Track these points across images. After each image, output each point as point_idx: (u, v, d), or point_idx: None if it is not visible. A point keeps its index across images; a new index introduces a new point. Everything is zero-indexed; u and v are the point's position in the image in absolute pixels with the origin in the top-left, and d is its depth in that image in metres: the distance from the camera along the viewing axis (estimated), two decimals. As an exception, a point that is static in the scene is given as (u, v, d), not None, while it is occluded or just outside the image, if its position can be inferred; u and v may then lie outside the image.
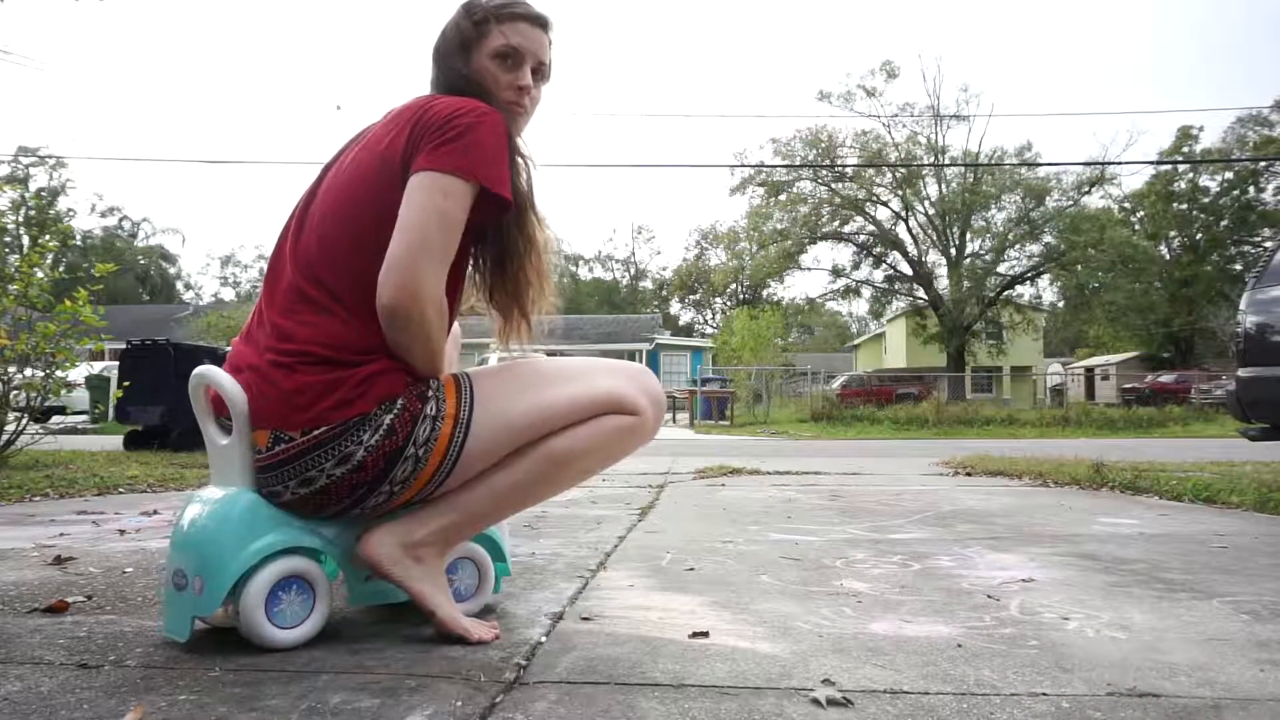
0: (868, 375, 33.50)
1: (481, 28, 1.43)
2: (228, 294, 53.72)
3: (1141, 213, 35.96)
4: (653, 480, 4.66)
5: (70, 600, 1.61)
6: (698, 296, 54.87)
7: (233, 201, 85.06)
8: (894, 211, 29.56)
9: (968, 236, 29.37)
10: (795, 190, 29.52)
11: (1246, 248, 33.81)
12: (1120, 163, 27.03)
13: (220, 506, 1.31)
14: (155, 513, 3.14)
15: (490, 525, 1.50)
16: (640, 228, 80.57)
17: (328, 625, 1.38)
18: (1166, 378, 27.83)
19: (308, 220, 1.40)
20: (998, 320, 30.21)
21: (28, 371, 5.05)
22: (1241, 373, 3.94)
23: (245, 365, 1.34)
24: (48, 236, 5.58)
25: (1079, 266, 27.58)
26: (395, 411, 1.31)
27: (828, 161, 28.54)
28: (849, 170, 28.81)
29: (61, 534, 2.58)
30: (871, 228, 29.85)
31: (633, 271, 59.22)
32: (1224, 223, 34.51)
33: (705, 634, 1.42)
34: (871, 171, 28.58)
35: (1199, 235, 35.24)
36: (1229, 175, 34.16)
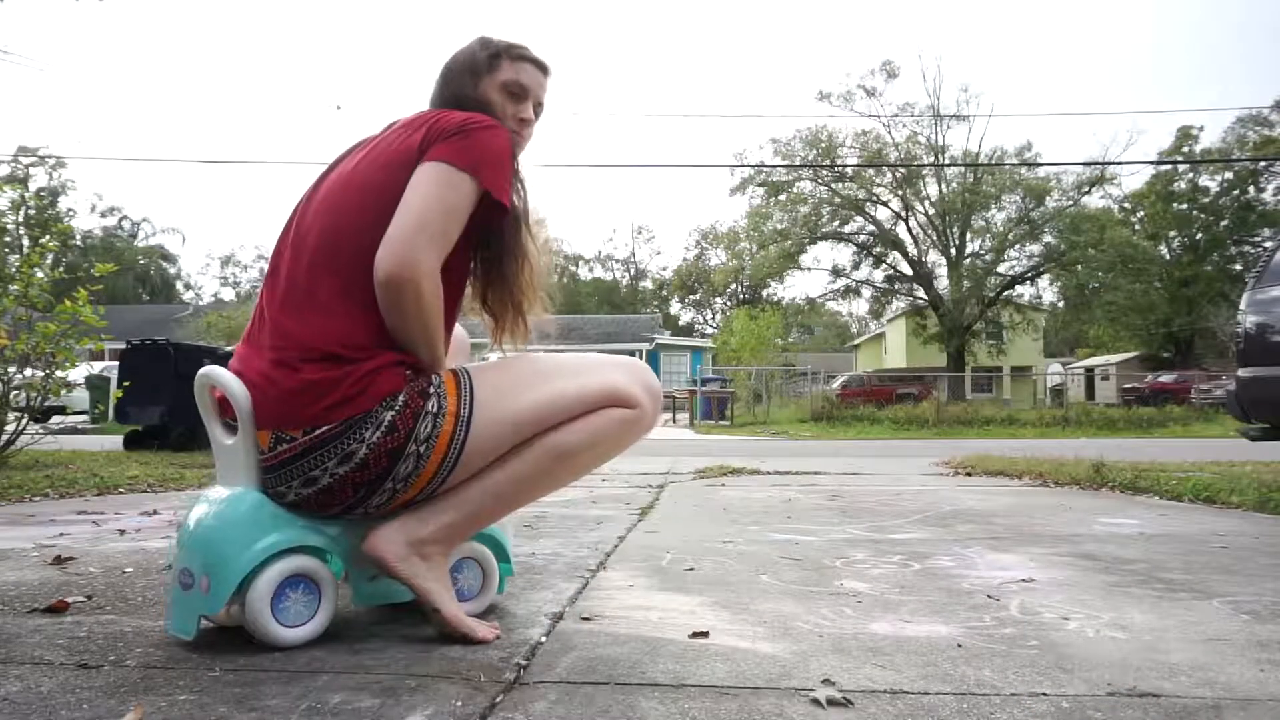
0: (868, 375, 33.50)
1: (494, 60, 1.51)
2: (228, 294, 53.69)
3: (1141, 213, 35.96)
4: (653, 480, 4.66)
5: (70, 600, 1.61)
6: (698, 296, 54.90)
7: (233, 201, 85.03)
8: (894, 211, 29.55)
9: (968, 236, 29.37)
10: (795, 190, 29.52)
11: (1246, 248, 33.80)
12: (1120, 163, 27.03)
13: (225, 506, 1.32)
14: (155, 513, 3.14)
15: (494, 521, 1.50)
16: (640, 228, 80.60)
17: (328, 625, 1.38)
18: (1166, 378, 27.82)
19: (308, 219, 1.41)
20: (998, 320, 30.22)
21: (28, 371, 5.05)
22: (1241, 373, 3.94)
23: (248, 365, 1.35)
24: (48, 237, 5.57)
25: (1079, 266, 27.59)
26: (397, 409, 1.31)
27: (828, 161, 28.54)
28: (849, 170, 28.81)
29: (61, 534, 2.58)
30: (871, 228, 29.85)
31: (633, 271, 59.24)
32: (1224, 223, 34.50)
33: (705, 634, 1.42)
34: (871, 171, 28.58)
35: (1199, 235, 35.23)
36: (1229, 175, 34.15)
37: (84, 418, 14.08)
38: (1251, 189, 33.88)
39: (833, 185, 29.03)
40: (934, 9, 72.99)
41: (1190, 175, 35.05)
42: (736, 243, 34.84)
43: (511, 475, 1.40)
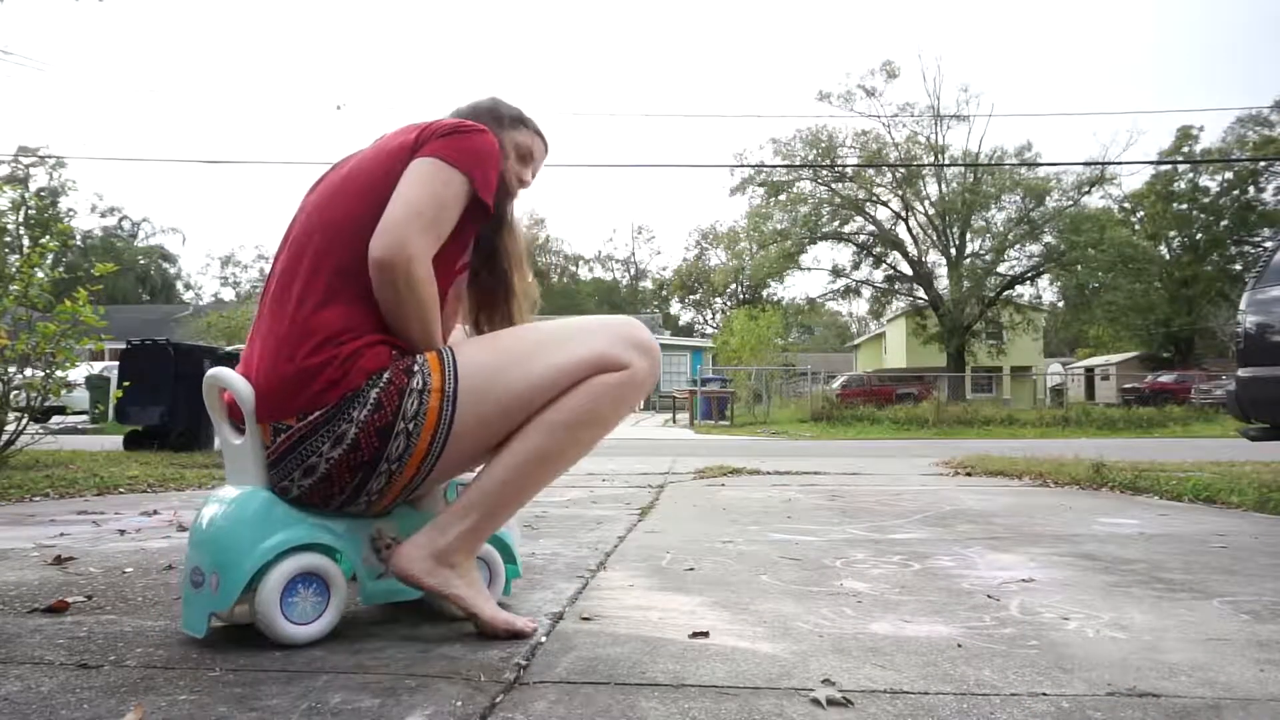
0: (868, 375, 33.52)
1: (516, 123, 1.63)
2: (228, 294, 53.72)
3: (1141, 213, 35.97)
4: (653, 480, 4.66)
5: (70, 600, 1.61)
6: (698, 296, 54.91)
7: (233, 201, 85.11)
8: (894, 211, 29.57)
9: (968, 236, 29.38)
10: (795, 190, 29.53)
11: (1246, 248, 33.81)
12: (1120, 163, 27.05)
13: (235, 505, 1.34)
14: (155, 513, 3.14)
15: (513, 513, 1.48)
16: (640, 228, 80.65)
17: (337, 623, 1.38)
18: (1166, 378, 27.83)
19: (304, 218, 1.45)
20: (998, 320, 30.23)
21: (28, 371, 5.05)
22: (1241, 373, 3.94)
23: (250, 363, 1.38)
24: (48, 237, 5.57)
25: (1079, 266, 27.59)
26: (381, 385, 1.33)
27: (828, 161, 28.55)
28: (849, 170, 28.82)
29: (61, 534, 2.58)
30: (871, 228, 29.86)
31: (633, 271, 59.24)
32: (1224, 223, 34.51)
33: (705, 634, 1.42)
34: (871, 171, 28.59)
35: (1199, 235, 35.24)
36: (1229, 175, 34.16)
37: (84, 418, 14.08)
38: (1251, 189, 33.89)
39: (833, 185, 29.04)
40: (934, 9, 73.01)
41: (1190, 175, 35.06)
42: (736, 243, 34.87)
43: (518, 461, 1.39)
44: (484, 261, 1.61)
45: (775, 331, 25.83)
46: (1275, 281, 3.92)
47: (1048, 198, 27.85)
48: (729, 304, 48.81)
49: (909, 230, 29.40)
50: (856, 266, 31.76)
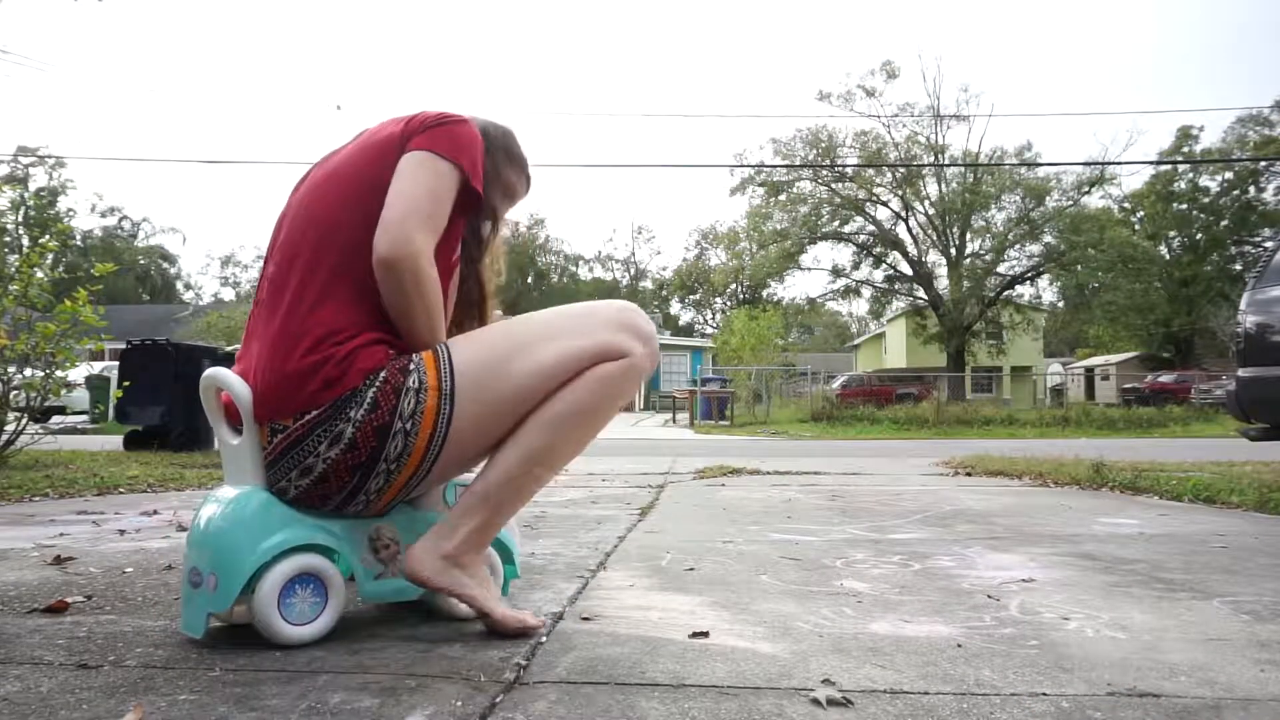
0: (868, 375, 33.51)
1: (519, 164, 1.65)
2: (228, 294, 53.69)
3: (1141, 213, 35.97)
4: (653, 480, 4.66)
5: (70, 600, 1.61)
6: (698, 296, 54.90)
7: (233, 201, 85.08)
8: (894, 211, 29.58)
9: (968, 236, 29.39)
10: (795, 190, 29.54)
11: (1246, 248, 33.81)
12: (1120, 163, 27.07)
13: (233, 505, 1.33)
14: (155, 513, 3.14)
15: (517, 509, 1.47)
16: (640, 228, 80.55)
17: (335, 623, 1.38)
18: (1166, 378, 27.84)
19: (293, 216, 1.45)
20: (998, 320, 30.23)
21: (28, 371, 5.05)
22: (1241, 373, 3.94)
23: (247, 364, 1.38)
24: (48, 236, 5.57)
25: (1079, 266, 27.60)
26: (377, 385, 1.32)
27: (828, 161, 28.55)
28: (849, 170, 28.82)
29: (61, 534, 2.58)
30: (871, 228, 29.86)
31: (633, 271, 59.24)
32: (1224, 223, 34.52)
33: (705, 634, 1.42)
34: (871, 171, 28.59)
35: (1199, 235, 35.24)
36: (1229, 175, 34.16)
37: (84, 418, 14.08)
38: (1251, 189, 33.89)
39: (833, 185, 29.04)
40: (934, 9, 73.00)
41: (1190, 175, 35.07)
42: (736, 243, 34.86)
43: (521, 457, 1.39)
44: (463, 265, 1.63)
45: (775, 331, 25.83)
46: (1275, 281, 3.92)
47: (1048, 198, 27.86)
48: (729, 304, 48.81)
49: (909, 230, 29.41)
50: (856, 266, 31.77)
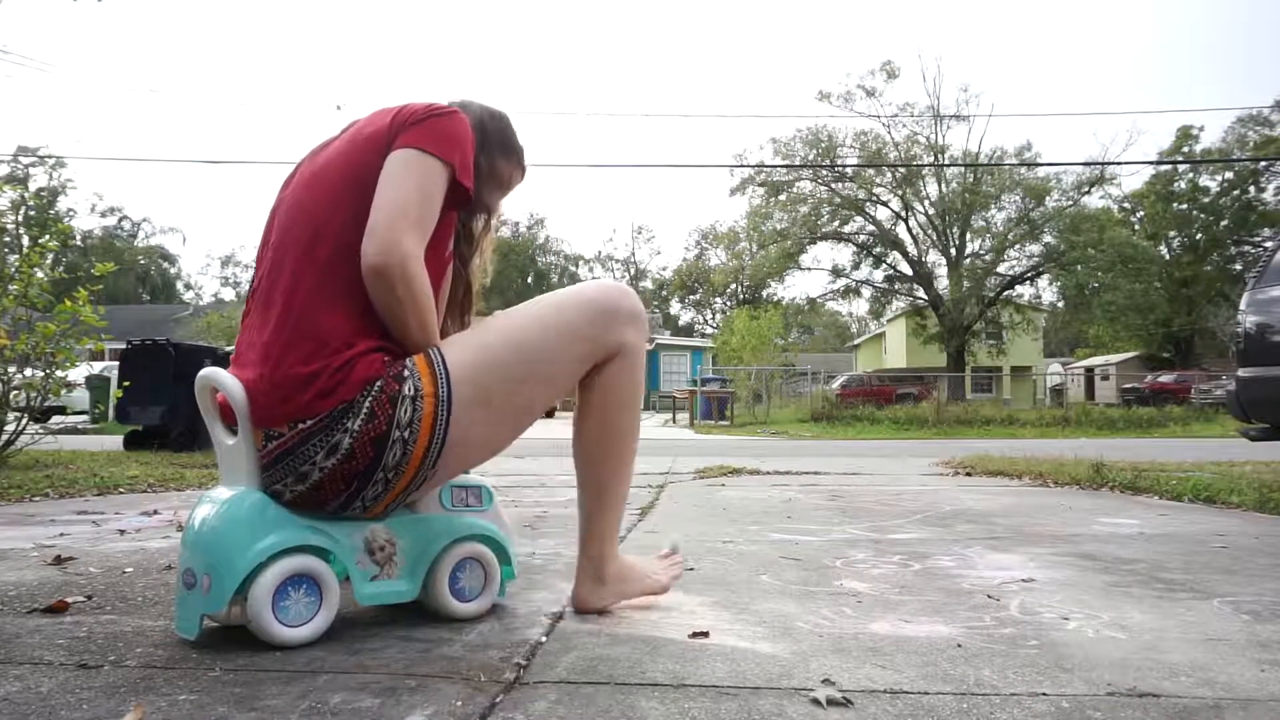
0: (868, 375, 33.52)
1: (515, 155, 1.64)
2: (228, 294, 53.74)
3: (1141, 213, 35.96)
4: (653, 480, 4.66)
5: (70, 600, 1.61)
6: (698, 296, 54.89)
7: (233, 201, 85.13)
8: (894, 211, 29.58)
9: (968, 236, 29.39)
10: (795, 190, 29.53)
11: (1246, 248, 33.80)
12: (1120, 163, 27.07)
13: (227, 506, 1.32)
14: (155, 513, 3.14)
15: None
16: (640, 228, 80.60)
17: (330, 624, 1.38)
18: (1166, 378, 27.85)
19: (284, 216, 1.44)
20: (998, 320, 30.24)
21: (28, 371, 5.05)
22: (1241, 373, 3.94)
23: (242, 366, 1.37)
24: (48, 236, 5.57)
25: (1079, 266, 27.59)
26: (374, 395, 1.31)
27: (828, 161, 28.55)
28: (849, 170, 28.82)
29: (61, 534, 2.58)
30: (871, 228, 29.86)
31: (633, 271, 59.22)
32: (1224, 223, 34.50)
33: (705, 634, 1.42)
34: (871, 171, 28.59)
35: (1199, 235, 35.23)
36: (1229, 175, 34.15)
37: (84, 418, 14.08)
38: (1251, 189, 33.87)
39: (833, 185, 29.04)
40: (934, 9, 72.99)
41: (1190, 175, 35.05)
42: (736, 243, 34.87)
43: (597, 473, 1.54)
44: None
45: (776, 331, 25.83)
46: (1275, 281, 3.92)
47: (1047, 198, 27.86)
48: (729, 304, 48.81)
49: (909, 230, 29.41)
50: (856, 266, 31.79)
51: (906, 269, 30.07)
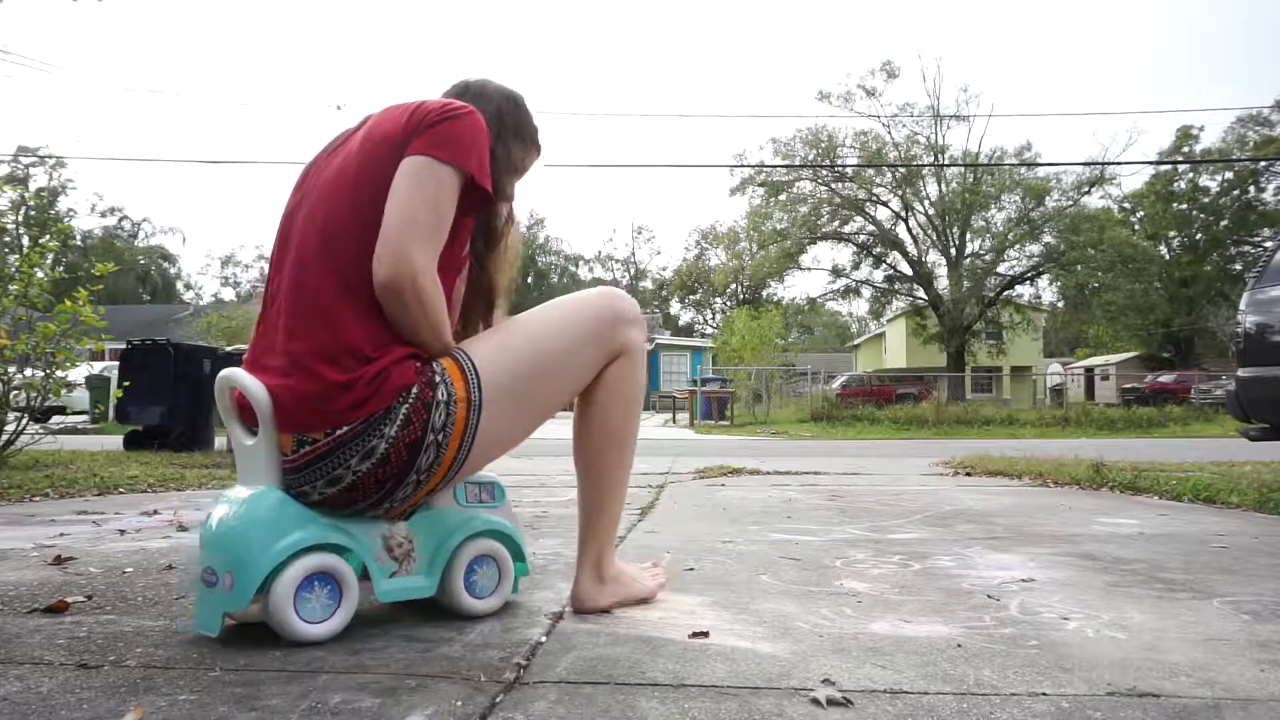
0: (868, 375, 33.53)
1: (531, 139, 1.64)
2: (228, 294, 53.77)
3: (1141, 213, 35.96)
4: (653, 480, 4.66)
5: (70, 600, 1.61)
6: (698, 296, 54.88)
7: (233, 201, 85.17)
8: (894, 211, 29.58)
9: (968, 236, 29.39)
10: (795, 190, 29.53)
11: (1246, 248, 33.81)
12: (1120, 163, 27.06)
13: (248, 505, 1.33)
14: (155, 513, 3.14)
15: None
16: (640, 228, 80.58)
17: (350, 620, 1.40)
18: (1166, 378, 27.85)
19: (303, 220, 1.42)
20: (997, 320, 30.24)
21: (28, 371, 5.05)
22: (1241, 373, 3.94)
23: (265, 368, 1.37)
24: (48, 236, 5.57)
25: (1079, 266, 27.60)
26: (410, 401, 1.33)
27: (828, 161, 28.55)
28: (849, 170, 28.82)
29: (61, 534, 2.58)
30: (871, 228, 29.86)
31: (633, 271, 59.22)
32: (1224, 223, 34.51)
33: (705, 634, 1.42)
34: (871, 171, 28.59)
35: (1199, 235, 35.23)
36: (1229, 175, 34.15)
37: (84, 418, 14.08)
38: (1251, 189, 33.88)
39: (833, 185, 29.04)
40: (934, 9, 73.01)
41: (1190, 175, 35.05)
42: (736, 243, 34.87)
43: (599, 474, 1.57)
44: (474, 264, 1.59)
45: (776, 331, 25.83)
46: (1275, 281, 3.92)
47: (1047, 198, 27.85)
48: (729, 304, 48.81)
49: (909, 230, 29.41)
50: (856, 266, 31.80)
51: (906, 269, 30.07)
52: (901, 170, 28.10)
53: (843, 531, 2.73)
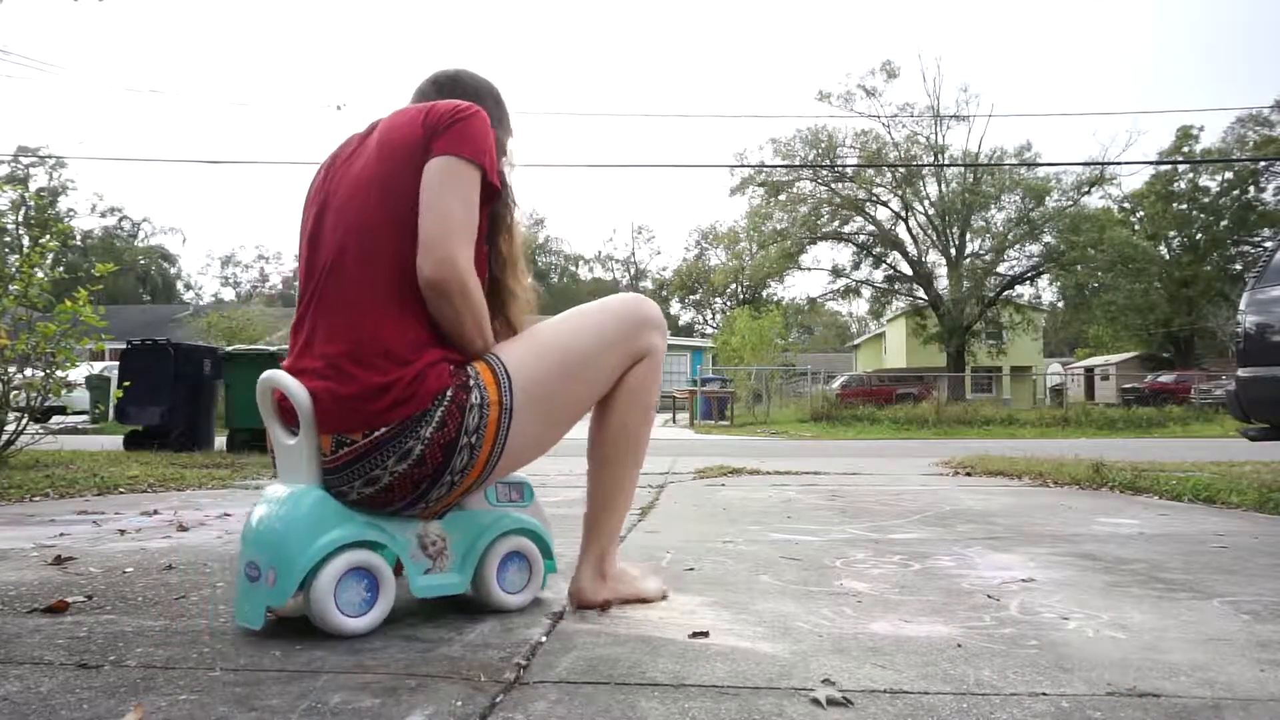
0: (868, 375, 33.54)
1: (508, 124, 1.67)
2: (228, 294, 53.78)
3: (1141, 213, 35.94)
4: (653, 480, 4.66)
5: (70, 600, 1.61)
6: (698, 296, 54.89)
7: (233, 201, 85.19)
8: (894, 211, 29.57)
9: (968, 236, 29.38)
10: (795, 190, 29.53)
11: (1246, 248, 33.80)
12: (1120, 163, 27.03)
13: (289, 503, 1.38)
14: (155, 513, 3.14)
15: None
16: (640, 228, 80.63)
17: (388, 614, 1.42)
18: (1166, 378, 27.83)
19: (332, 224, 1.45)
20: (997, 320, 30.23)
21: (28, 371, 5.05)
22: (1241, 373, 3.94)
23: (306, 369, 1.40)
24: (48, 236, 5.57)
25: (1079, 266, 27.59)
26: (445, 404, 1.37)
27: (828, 161, 28.54)
28: (849, 170, 28.82)
29: (61, 534, 2.58)
30: (871, 228, 29.85)
31: (633, 271, 59.22)
32: (1224, 223, 34.49)
33: (705, 634, 1.42)
34: (871, 171, 28.58)
35: (1199, 235, 35.21)
36: (1229, 175, 34.13)
37: (84, 418, 14.08)
38: (1251, 189, 33.86)
39: (833, 185, 29.03)
40: (934, 9, 73.02)
41: (1190, 175, 35.03)
42: (736, 243, 34.88)
43: (611, 473, 1.62)
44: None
45: (776, 331, 25.83)
46: (1275, 281, 3.92)
47: (1047, 198, 27.84)
48: (729, 304, 48.81)
49: (909, 230, 29.40)
50: (856, 266, 31.78)
51: (906, 269, 30.06)
52: (901, 170, 28.09)
53: (843, 531, 2.73)
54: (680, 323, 55.86)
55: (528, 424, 1.46)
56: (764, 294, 39.43)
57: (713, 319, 54.75)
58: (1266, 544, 2.53)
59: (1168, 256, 35.34)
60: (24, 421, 5.01)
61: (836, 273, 31.89)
